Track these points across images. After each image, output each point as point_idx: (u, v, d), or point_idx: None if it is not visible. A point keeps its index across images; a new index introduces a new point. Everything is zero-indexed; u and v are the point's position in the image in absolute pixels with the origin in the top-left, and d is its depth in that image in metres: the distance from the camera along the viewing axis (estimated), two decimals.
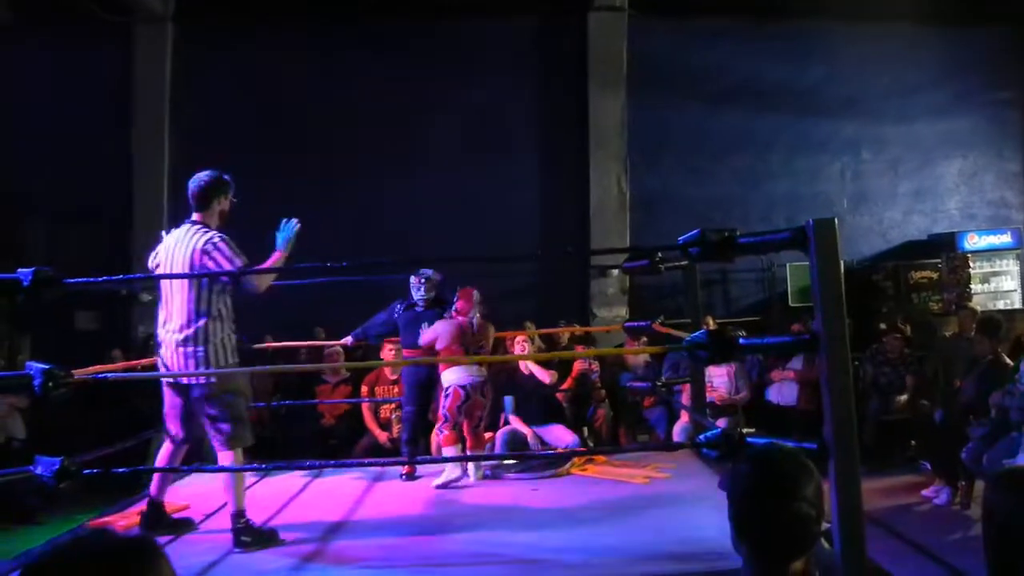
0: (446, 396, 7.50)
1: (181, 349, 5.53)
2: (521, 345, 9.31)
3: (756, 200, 14.04)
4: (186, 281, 5.54)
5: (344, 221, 12.99)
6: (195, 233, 5.62)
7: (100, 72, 13.47)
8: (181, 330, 5.54)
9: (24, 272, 4.66)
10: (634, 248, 12.04)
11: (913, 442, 10.19)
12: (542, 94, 14.11)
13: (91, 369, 5.66)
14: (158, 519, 5.87)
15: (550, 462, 7.62)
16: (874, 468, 9.70)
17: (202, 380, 5.53)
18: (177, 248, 5.63)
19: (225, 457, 5.63)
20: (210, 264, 5.47)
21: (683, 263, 7.47)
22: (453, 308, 7.73)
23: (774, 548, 2.39)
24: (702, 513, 5.72)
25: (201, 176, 5.85)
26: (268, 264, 5.68)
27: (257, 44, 13.59)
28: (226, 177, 5.95)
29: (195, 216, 5.77)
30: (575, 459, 7.63)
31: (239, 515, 5.54)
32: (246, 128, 13.30)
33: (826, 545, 4.07)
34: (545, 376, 8.96)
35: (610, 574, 4.52)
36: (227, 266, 5.46)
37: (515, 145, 13.90)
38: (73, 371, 4.97)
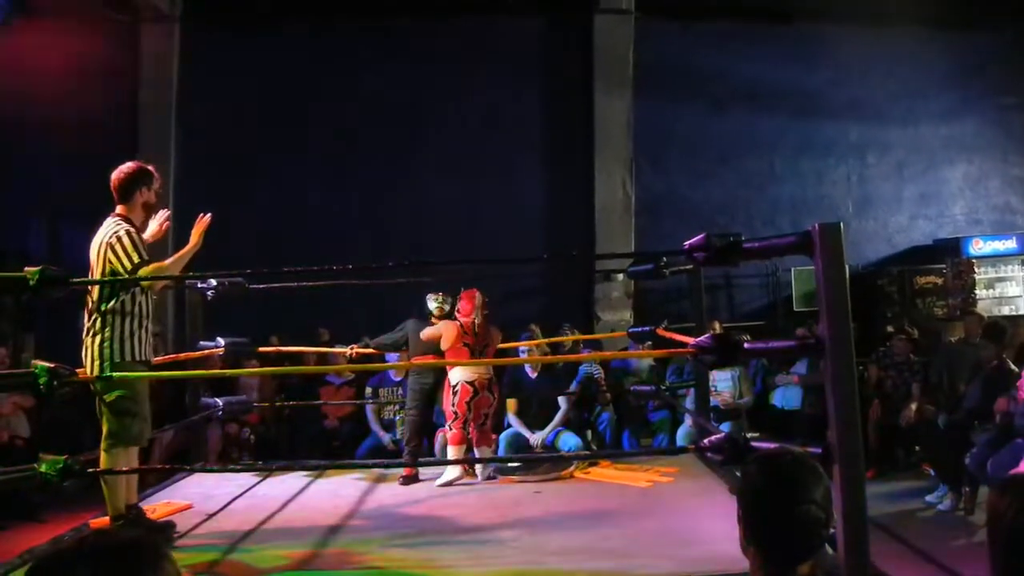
0: (455, 393, 7.55)
1: (85, 341, 5.59)
2: (525, 349, 9.30)
3: (761, 204, 14.03)
4: (94, 276, 5.57)
5: (348, 221, 13.02)
6: (107, 227, 5.63)
7: (107, 71, 13.47)
8: (86, 323, 5.60)
9: (30, 270, 4.67)
10: (639, 252, 12.04)
11: (917, 447, 10.17)
12: (547, 96, 14.10)
13: None
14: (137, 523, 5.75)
15: (553, 465, 7.63)
16: (878, 473, 9.71)
17: (97, 374, 5.44)
18: (94, 242, 5.65)
19: (102, 456, 5.55)
20: (112, 258, 5.49)
21: (688, 267, 7.48)
22: (456, 309, 7.82)
23: (783, 550, 2.40)
24: (705, 517, 5.73)
25: (122, 168, 5.82)
26: (170, 260, 5.62)
27: (263, 44, 13.61)
28: (148, 168, 5.90)
29: (118, 209, 5.77)
30: (578, 462, 7.64)
31: (116, 519, 5.56)
32: (252, 127, 13.32)
33: (830, 550, 4.07)
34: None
35: None
36: (125, 260, 5.46)
37: (520, 147, 13.88)
38: (77, 370, 4.99)
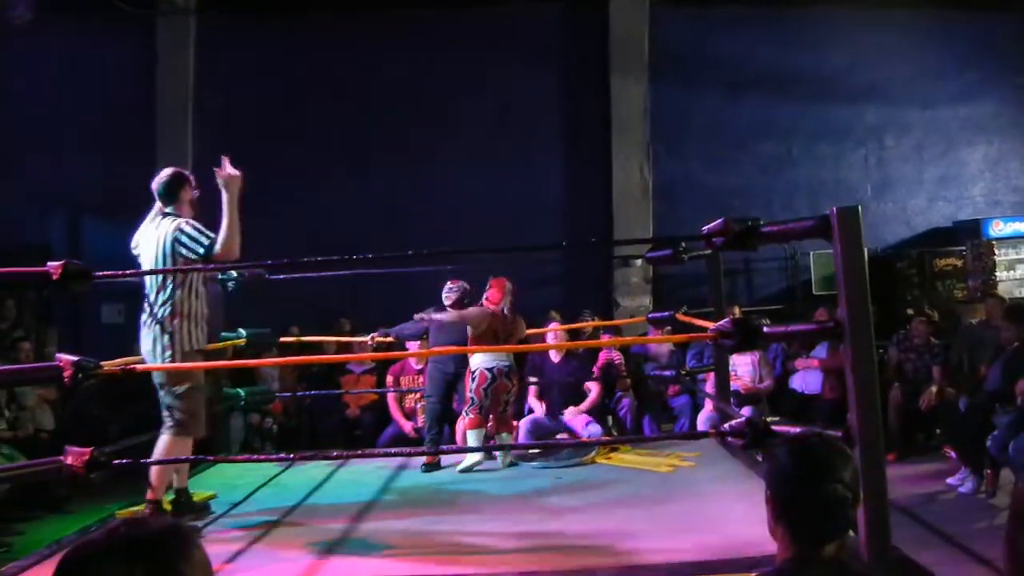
0: (473, 379, 7.59)
1: (154, 331, 5.76)
2: (552, 334, 9.29)
3: (778, 188, 13.98)
4: (157, 268, 5.75)
5: (367, 210, 13.03)
6: (166, 223, 5.85)
7: (123, 64, 13.52)
8: (150, 316, 5.79)
9: (53, 265, 4.70)
10: (657, 238, 12.03)
11: (938, 430, 10.15)
12: (564, 82, 14.08)
13: (119, 361, 5.70)
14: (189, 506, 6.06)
15: (574, 451, 7.65)
16: (899, 455, 9.70)
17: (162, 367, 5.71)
18: (151, 237, 5.87)
19: (161, 440, 5.79)
20: (182, 249, 5.70)
21: (707, 252, 7.48)
22: (484, 296, 7.84)
23: (810, 529, 2.44)
24: (727, 501, 5.74)
25: (161, 176, 6.06)
26: (224, 227, 5.68)
27: (279, 34, 13.64)
28: (185, 172, 6.16)
29: (167, 208, 6.00)
30: (600, 448, 7.66)
31: (154, 504, 5.75)
32: (269, 118, 13.34)
33: (851, 532, 4.08)
34: None
35: (634, 561, 4.54)
36: (196, 246, 5.66)
37: (537, 133, 13.88)
38: (102, 363, 5.02)
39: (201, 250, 5.64)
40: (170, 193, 5.97)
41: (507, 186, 13.38)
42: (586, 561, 4.58)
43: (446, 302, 8.04)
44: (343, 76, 13.55)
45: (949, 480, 8.93)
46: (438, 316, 7.91)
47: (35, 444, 9.02)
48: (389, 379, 10.09)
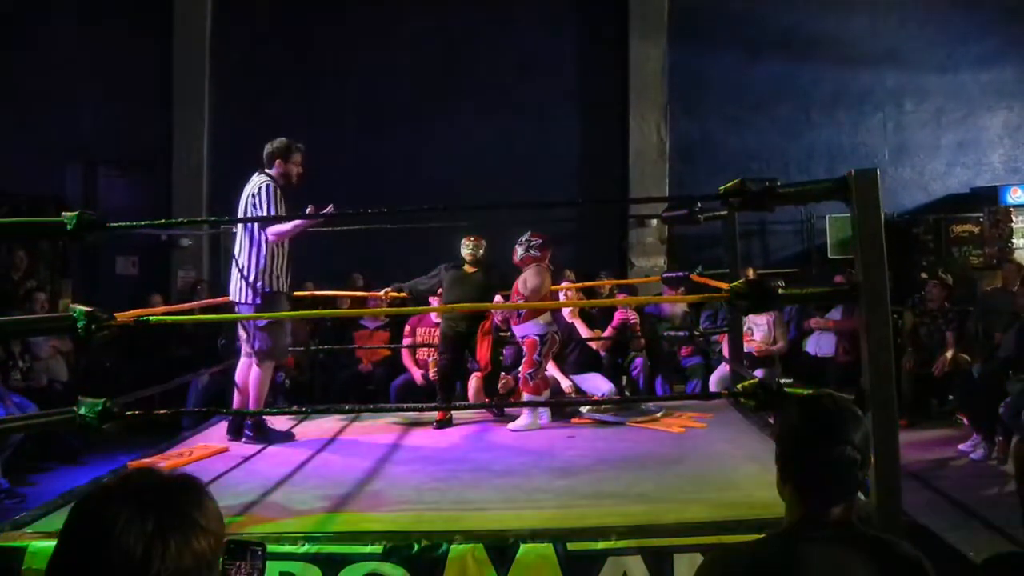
0: (543, 343, 7.47)
1: (238, 278, 6.70)
2: (565, 293, 9.24)
3: (796, 151, 13.90)
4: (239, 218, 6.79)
5: (384, 167, 13.04)
6: (255, 182, 6.76)
7: (141, 19, 13.51)
8: (239, 263, 6.69)
9: (68, 216, 4.69)
10: (674, 197, 12.00)
11: (951, 396, 10.14)
12: (583, 41, 14.03)
13: (133, 312, 5.70)
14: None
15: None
16: (911, 421, 9.69)
17: (250, 305, 6.67)
18: (244, 194, 6.79)
19: (254, 368, 6.83)
20: (255, 207, 6.63)
21: (723, 213, 7.45)
22: (533, 253, 7.61)
23: (818, 490, 2.43)
24: (738, 462, 5.74)
25: (272, 141, 6.90)
26: (285, 226, 6.67)
27: None
28: (299, 145, 6.96)
29: (266, 169, 6.87)
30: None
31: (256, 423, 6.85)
32: (287, 73, 13.36)
33: (862, 496, 4.08)
34: (585, 331, 9.10)
35: (645, 520, 4.54)
36: (264, 211, 6.59)
37: (555, 92, 13.84)
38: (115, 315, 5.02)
39: (261, 215, 6.60)
40: (271, 157, 6.84)
41: (523, 144, 13.37)
42: (596, 520, 4.58)
43: (468, 259, 7.94)
44: (361, 32, 13.52)
45: (961, 446, 8.95)
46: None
47: (49, 395, 9.07)
48: (407, 329, 10.10)
